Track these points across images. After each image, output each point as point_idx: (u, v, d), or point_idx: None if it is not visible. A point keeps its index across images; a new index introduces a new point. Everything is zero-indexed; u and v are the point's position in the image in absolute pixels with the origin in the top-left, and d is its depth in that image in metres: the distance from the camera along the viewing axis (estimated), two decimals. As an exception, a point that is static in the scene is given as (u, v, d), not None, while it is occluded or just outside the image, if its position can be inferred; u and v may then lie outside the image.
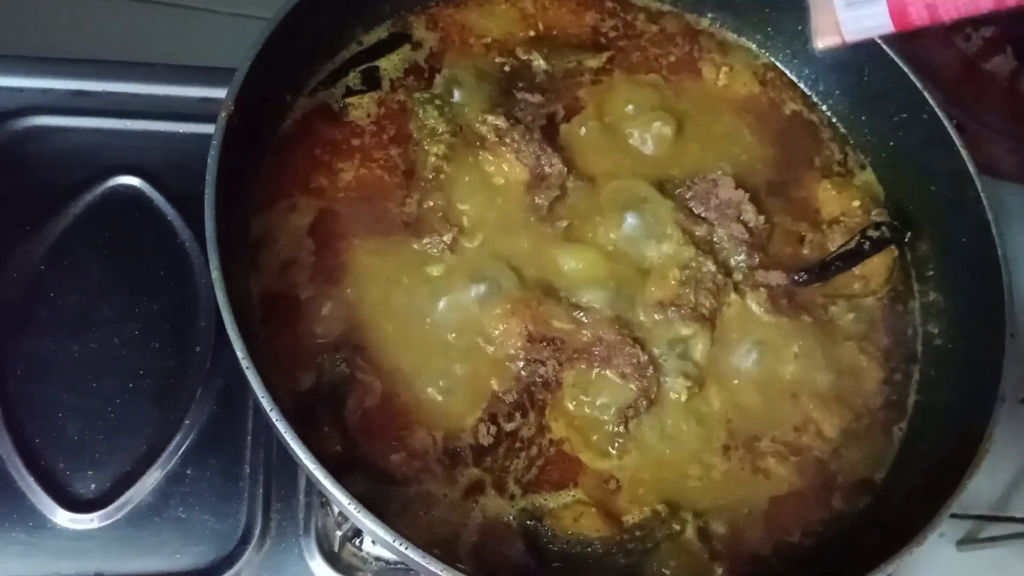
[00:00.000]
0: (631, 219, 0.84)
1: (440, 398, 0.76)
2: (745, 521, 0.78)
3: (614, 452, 0.77)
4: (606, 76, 0.94)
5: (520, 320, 0.77)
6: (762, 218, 0.87)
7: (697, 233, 0.85)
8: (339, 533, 0.88)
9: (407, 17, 0.93)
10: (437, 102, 0.87)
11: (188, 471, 0.89)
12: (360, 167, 0.84)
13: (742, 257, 0.86)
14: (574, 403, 0.78)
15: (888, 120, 0.94)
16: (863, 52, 0.91)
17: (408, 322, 0.78)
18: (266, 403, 0.64)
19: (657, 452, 0.78)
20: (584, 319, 0.79)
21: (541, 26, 0.96)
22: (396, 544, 0.62)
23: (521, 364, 0.77)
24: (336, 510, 0.89)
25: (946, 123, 0.88)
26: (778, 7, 0.98)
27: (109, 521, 0.86)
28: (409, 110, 0.87)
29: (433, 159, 0.83)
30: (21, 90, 1.01)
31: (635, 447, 0.78)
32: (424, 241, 0.80)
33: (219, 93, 0.76)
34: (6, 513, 0.85)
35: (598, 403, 0.77)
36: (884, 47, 0.90)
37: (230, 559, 0.87)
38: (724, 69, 0.97)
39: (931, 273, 0.91)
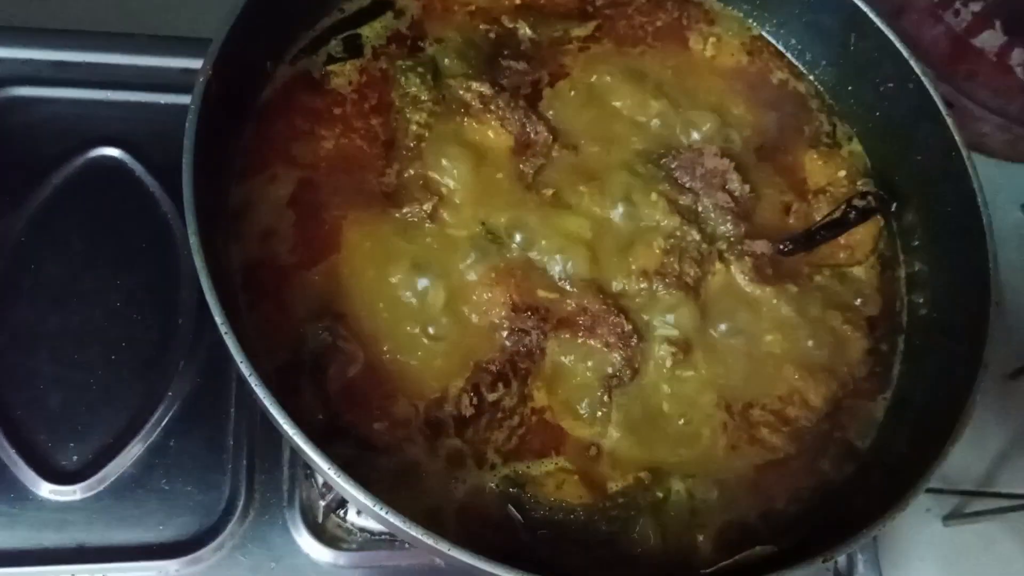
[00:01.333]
0: (620, 205, 0.84)
1: (423, 367, 0.75)
2: (729, 488, 0.78)
3: (598, 420, 0.77)
4: (594, 44, 0.94)
5: (504, 289, 0.77)
6: (747, 187, 0.87)
7: (682, 202, 0.85)
8: (323, 504, 0.88)
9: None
10: (420, 69, 0.86)
11: (171, 443, 0.89)
12: (341, 136, 0.84)
13: (727, 226, 0.86)
14: (558, 372, 0.78)
15: (875, 90, 0.94)
16: (849, 21, 0.91)
17: (390, 291, 0.77)
18: (245, 369, 0.63)
19: (640, 420, 0.78)
20: (568, 288, 0.79)
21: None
22: (379, 510, 0.61)
23: (505, 333, 0.77)
24: (320, 481, 0.89)
25: (932, 92, 0.88)
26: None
27: (91, 493, 0.86)
28: (391, 78, 0.87)
29: (415, 127, 0.83)
30: (2, 60, 1.00)
31: (619, 415, 0.78)
32: (404, 210, 0.79)
33: (200, 64, 0.76)
34: (-12, 486, 0.85)
35: (582, 372, 0.77)
36: (871, 15, 0.90)
37: (214, 530, 0.86)
38: (712, 39, 0.97)
39: (917, 243, 0.91)
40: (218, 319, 0.63)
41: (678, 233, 0.83)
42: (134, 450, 0.88)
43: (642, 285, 0.80)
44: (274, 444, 0.91)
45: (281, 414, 0.62)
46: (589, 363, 0.77)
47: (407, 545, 0.89)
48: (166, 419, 0.90)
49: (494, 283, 0.77)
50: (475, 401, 0.75)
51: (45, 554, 0.84)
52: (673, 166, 0.87)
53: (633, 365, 0.78)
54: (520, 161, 0.83)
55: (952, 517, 1.12)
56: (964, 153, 0.85)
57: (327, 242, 0.79)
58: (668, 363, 0.79)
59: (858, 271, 0.89)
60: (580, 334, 0.77)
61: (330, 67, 0.86)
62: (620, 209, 0.83)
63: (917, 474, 0.72)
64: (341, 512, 0.89)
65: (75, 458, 0.87)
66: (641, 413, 0.78)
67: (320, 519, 0.89)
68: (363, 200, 0.81)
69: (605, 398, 0.77)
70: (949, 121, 0.86)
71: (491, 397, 0.76)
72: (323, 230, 0.79)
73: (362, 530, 0.89)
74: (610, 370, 0.77)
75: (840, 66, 0.97)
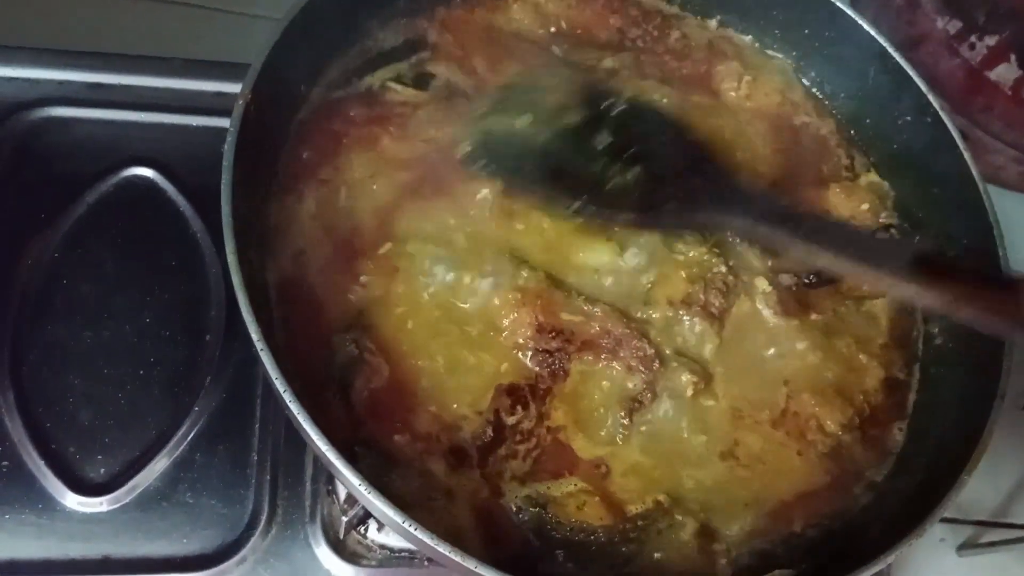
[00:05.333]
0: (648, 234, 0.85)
1: (447, 383, 0.76)
2: (747, 513, 0.78)
3: (618, 443, 0.78)
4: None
5: (530, 310, 0.78)
6: None
7: (710, 234, 0.86)
8: (344, 520, 0.89)
9: (419, 19, 0.95)
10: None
11: (197, 457, 0.91)
12: (372, 159, 0.85)
13: (754, 259, 0.87)
14: (580, 394, 0.79)
15: (893, 123, 0.95)
16: (869, 55, 0.93)
17: (419, 308, 0.78)
18: (280, 385, 0.64)
19: (660, 444, 0.79)
20: (593, 312, 0.80)
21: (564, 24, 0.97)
22: (406, 525, 0.62)
23: (529, 353, 0.78)
24: (342, 497, 0.90)
25: (950, 126, 0.89)
26: (784, 10, 0.99)
27: (118, 505, 0.88)
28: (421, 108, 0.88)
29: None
30: (39, 81, 1.04)
31: (639, 439, 0.79)
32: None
33: (233, 88, 0.78)
34: (17, 496, 0.86)
35: (604, 394, 0.78)
36: (890, 50, 0.92)
37: (236, 544, 0.88)
38: (747, 79, 0.98)
39: (933, 273, 0.92)
40: (254, 336, 0.65)
41: (705, 264, 0.84)
42: (160, 464, 0.89)
43: (668, 313, 0.82)
44: (297, 460, 0.92)
45: (315, 431, 0.63)
46: (611, 385, 0.78)
47: (427, 563, 0.90)
48: (192, 434, 0.91)
49: (520, 304, 0.78)
50: (498, 417, 0.76)
51: (71, 565, 0.85)
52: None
53: (654, 389, 0.79)
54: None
55: (966, 547, 1.12)
56: (981, 186, 0.86)
57: (357, 259, 0.80)
58: (689, 391, 0.80)
59: (879, 302, 0.90)
60: (603, 356, 0.79)
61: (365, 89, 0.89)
62: (648, 238, 0.84)
63: (933, 502, 0.72)
64: (362, 528, 0.90)
65: (103, 471, 0.89)
66: (661, 437, 0.79)
67: (341, 535, 0.90)
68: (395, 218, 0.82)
69: (626, 421, 0.78)
70: (966, 155, 0.88)
71: (514, 415, 0.77)
72: (353, 247, 0.81)
73: (382, 547, 0.90)
74: (631, 393, 0.78)
75: (859, 99, 0.99)
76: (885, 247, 0.80)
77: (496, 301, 0.78)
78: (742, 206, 0.80)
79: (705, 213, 0.81)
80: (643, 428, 0.79)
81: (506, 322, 0.78)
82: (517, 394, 0.77)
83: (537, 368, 0.78)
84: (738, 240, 0.86)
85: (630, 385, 0.78)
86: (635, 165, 0.81)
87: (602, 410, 0.78)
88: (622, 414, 0.78)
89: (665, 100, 0.92)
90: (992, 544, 1.11)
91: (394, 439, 0.73)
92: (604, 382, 0.79)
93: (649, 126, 0.86)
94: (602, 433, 0.78)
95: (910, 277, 0.71)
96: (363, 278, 0.79)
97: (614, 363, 0.79)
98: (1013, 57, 1.19)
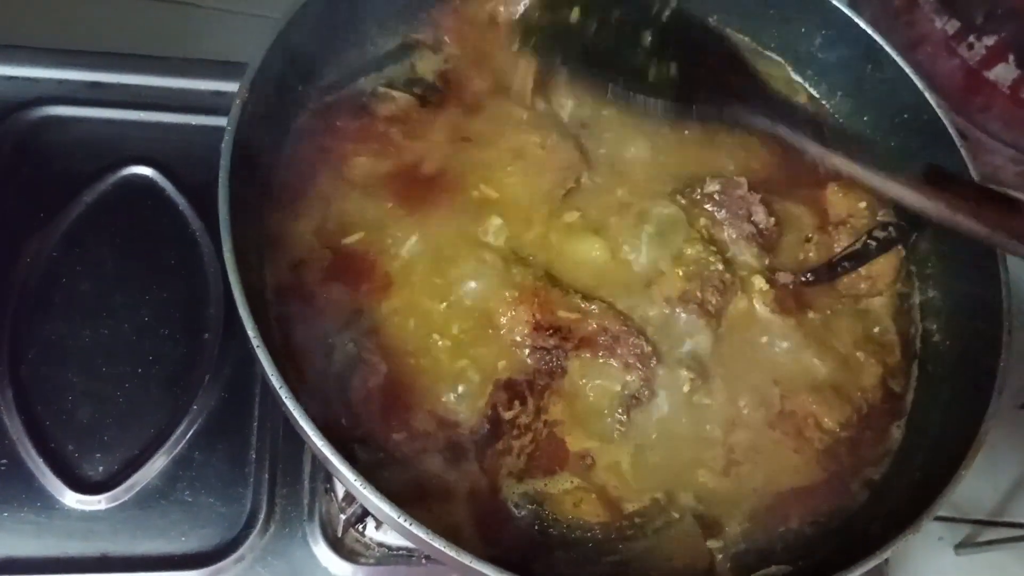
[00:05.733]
0: (645, 231, 0.86)
1: (445, 380, 0.76)
2: (744, 510, 0.79)
3: (616, 439, 0.78)
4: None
5: (527, 308, 0.78)
6: (772, 219, 0.88)
7: (707, 231, 0.87)
8: (343, 518, 0.89)
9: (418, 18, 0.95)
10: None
11: (195, 455, 0.91)
12: (370, 162, 0.85)
13: (751, 257, 0.87)
14: (577, 390, 0.79)
15: (890, 121, 0.96)
16: (866, 53, 0.93)
17: (417, 307, 0.78)
18: (276, 382, 0.65)
19: (658, 441, 0.79)
20: (590, 309, 0.80)
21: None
22: (403, 522, 0.62)
23: (527, 351, 0.78)
24: (340, 495, 0.90)
25: (947, 125, 0.90)
26: (782, 9, 0.99)
27: (116, 503, 0.88)
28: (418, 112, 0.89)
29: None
30: (38, 80, 1.04)
31: (636, 435, 0.79)
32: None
33: (231, 87, 0.78)
34: (16, 494, 0.87)
35: (601, 391, 0.78)
36: (887, 48, 0.92)
37: (235, 543, 0.88)
38: None
39: (930, 271, 0.92)
40: (251, 334, 0.65)
41: (702, 261, 0.84)
42: (159, 462, 0.90)
43: (665, 310, 0.82)
44: (295, 458, 0.92)
45: (312, 429, 0.63)
46: (609, 382, 0.78)
47: (424, 560, 0.90)
48: (191, 432, 0.92)
49: (517, 301, 0.78)
50: (496, 414, 0.76)
51: (70, 562, 0.85)
52: (700, 196, 0.88)
53: (652, 386, 0.79)
54: (551, 183, 0.85)
55: (964, 546, 1.12)
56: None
57: (356, 260, 0.80)
58: (686, 388, 0.80)
59: (877, 300, 0.90)
60: (601, 353, 0.79)
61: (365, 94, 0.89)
62: (646, 235, 0.85)
63: (930, 499, 0.72)
64: (360, 526, 0.90)
65: (101, 469, 0.89)
66: (658, 434, 0.79)
67: (339, 533, 0.90)
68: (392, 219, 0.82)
69: (624, 418, 0.78)
70: (963, 153, 0.88)
71: (511, 411, 0.76)
72: (352, 248, 0.81)
73: (380, 545, 0.90)
74: (629, 390, 0.78)
75: (856, 97, 0.99)
76: (897, 159, 0.86)
77: (493, 299, 0.78)
78: (768, 106, 0.86)
79: (733, 108, 0.86)
80: (640, 425, 0.79)
81: (503, 320, 0.78)
82: (515, 389, 0.77)
83: (535, 365, 0.78)
84: (735, 237, 0.87)
85: (628, 381, 0.78)
86: (674, 60, 0.87)
87: (600, 407, 0.78)
88: (620, 411, 0.78)
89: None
90: (990, 543, 1.11)
91: (392, 437, 0.73)
92: (602, 379, 0.79)
93: (693, 32, 0.92)
94: (600, 430, 0.78)
95: (917, 186, 0.76)
96: (362, 286, 0.79)
97: (612, 360, 0.78)
98: (1011, 57, 1.19)
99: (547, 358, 0.78)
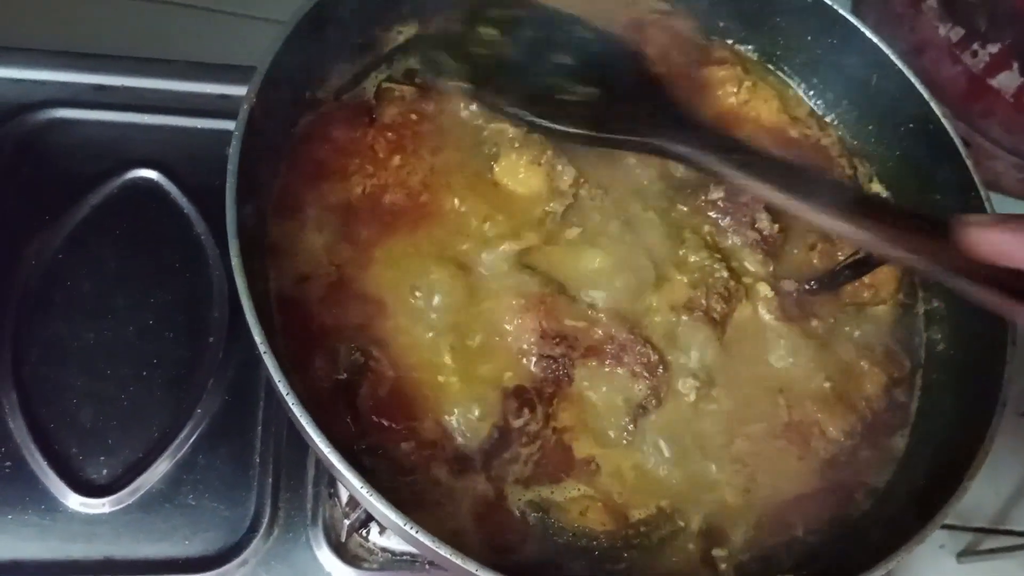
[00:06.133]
0: (649, 240, 0.86)
1: (451, 389, 0.76)
2: (749, 518, 0.79)
3: (622, 447, 0.78)
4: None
5: (534, 316, 0.78)
6: (776, 227, 0.88)
7: (712, 239, 0.87)
8: (346, 523, 0.89)
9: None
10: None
11: (199, 459, 0.91)
12: (376, 172, 0.84)
13: (755, 264, 0.87)
14: (584, 399, 0.79)
15: (895, 130, 0.96)
16: (871, 62, 0.93)
17: (423, 316, 0.78)
18: (282, 388, 0.65)
19: (664, 450, 0.79)
20: (597, 317, 0.80)
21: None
22: (408, 528, 0.62)
23: (534, 359, 0.78)
24: (344, 500, 0.90)
25: (952, 134, 0.89)
26: (786, 16, 0.99)
27: (120, 506, 0.88)
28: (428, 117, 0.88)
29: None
30: (44, 83, 1.04)
31: (643, 444, 0.79)
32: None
33: (237, 91, 0.78)
34: (19, 496, 0.87)
35: (608, 400, 0.78)
36: (893, 57, 0.92)
37: (238, 547, 0.88)
38: (746, 84, 0.98)
39: (932, 281, 0.92)
40: (258, 339, 0.65)
41: (707, 269, 0.84)
42: (162, 465, 0.90)
43: (670, 318, 0.82)
44: (299, 462, 0.92)
45: (318, 434, 0.63)
46: (615, 391, 0.78)
47: (428, 566, 0.90)
48: (194, 436, 0.91)
49: (524, 310, 0.78)
50: (502, 422, 0.76)
51: (73, 566, 0.85)
52: (704, 203, 0.88)
53: (659, 394, 0.79)
54: (549, 199, 0.85)
55: (966, 554, 1.12)
56: (983, 194, 0.86)
57: (361, 271, 0.80)
58: (692, 396, 0.80)
59: (880, 309, 0.90)
60: (607, 362, 0.79)
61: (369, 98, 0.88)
62: (650, 243, 0.85)
63: (934, 509, 0.72)
64: (364, 532, 0.90)
65: (105, 472, 0.89)
66: (665, 443, 0.79)
67: (343, 538, 0.90)
68: (398, 230, 0.82)
69: (631, 426, 0.78)
70: (968, 163, 0.88)
71: (518, 420, 0.76)
72: (358, 258, 0.80)
73: (384, 550, 0.90)
74: (636, 398, 0.78)
75: (861, 106, 0.99)
76: (827, 186, 0.80)
77: (500, 307, 0.78)
78: (688, 134, 0.81)
79: (652, 136, 0.82)
80: (647, 433, 0.79)
81: (510, 327, 0.78)
82: (524, 397, 0.77)
83: (541, 374, 0.78)
84: (739, 244, 0.87)
85: (635, 390, 0.78)
86: (590, 84, 0.84)
87: (607, 415, 0.78)
88: (627, 419, 0.78)
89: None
90: (992, 551, 1.11)
91: (400, 447, 0.73)
92: (609, 387, 0.79)
93: (610, 54, 0.88)
94: (606, 437, 0.78)
95: (847, 215, 0.71)
96: (366, 288, 0.79)
97: (618, 368, 0.79)
98: (1015, 64, 1.19)
99: (553, 366, 0.78)
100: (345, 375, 0.75)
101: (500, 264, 0.81)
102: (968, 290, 0.64)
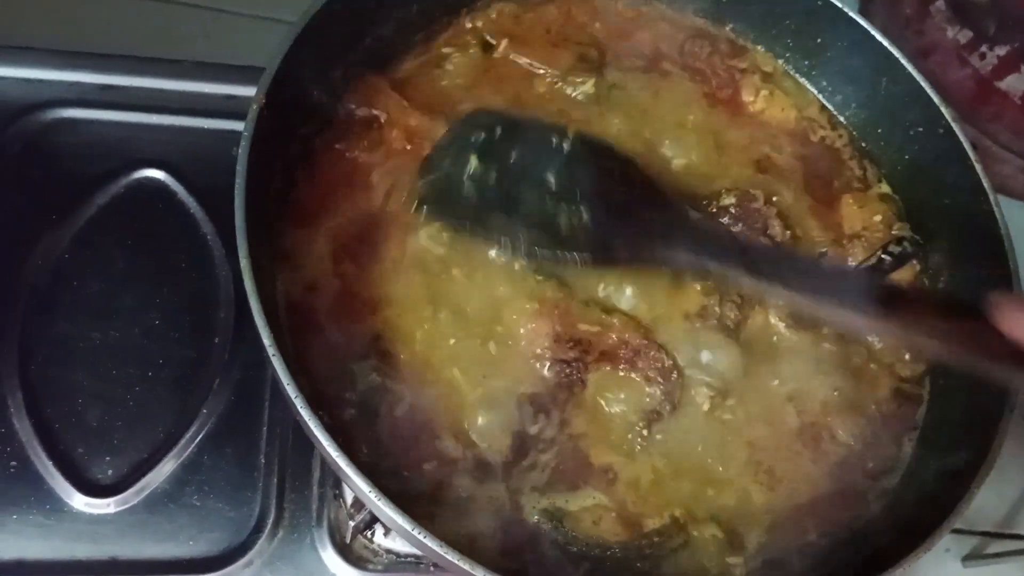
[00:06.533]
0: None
1: (465, 398, 0.76)
2: (763, 524, 0.79)
3: (636, 455, 0.78)
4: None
5: (548, 320, 0.78)
6: (788, 233, 0.88)
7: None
8: (351, 524, 0.89)
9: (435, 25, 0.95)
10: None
11: (204, 459, 0.90)
12: (388, 181, 0.85)
13: None
14: (598, 404, 0.79)
15: (904, 133, 0.95)
16: (881, 65, 0.93)
17: (435, 328, 0.78)
18: (291, 391, 0.65)
19: (678, 457, 0.79)
20: (611, 321, 0.80)
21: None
22: (415, 533, 0.62)
23: (547, 364, 0.78)
24: (349, 501, 0.90)
25: (962, 137, 0.89)
26: (796, 19, 0.99)
27: (125, 507, 0.88)
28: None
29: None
30: (50, 83, 1.03)
31: (656, 451, 0.78)
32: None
33: (244, 91, 0.78)
34: (24, 496, 0.86)
35: (622, 405, 0.78)
36: (903, 61, 0.92)
37: (243, 547, 0.88)
38: (763, 93, 0.99)
39: (942, 285, 0.92)
40: (266, 341, 0.65)
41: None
42: (168, 466, 0.89)
43: (684, 325, 0.82)
44: (304, 463, 0.92)
45: (327, 439, 0.63)
46: (630, 396, 0.78)
47: (432, 568, 0.90)
48: (200, 436, 0.91)
49: (538, 314, 0.78)
50: (519, 430, 0.76)
51: (78, 566, 0.85)
52: (715, 209, 0.88)
53: (673, 400, 0.79)
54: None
55: (971, 558, 1.11)
56: (992, 198, 0.86)
57: (372, 284, 0.80)
58: (706, 403, 0.80)
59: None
60: (621, 367, 0.79)
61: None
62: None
63: (941, 515, 0.72)
64: (369, 533, 0.90)
65: (110, 472, 0.88)
66: (679, 449, 0.79)
67: (348, 539, 0.90)
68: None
69: (645, 432, 0.78)
70: (978, 167, 0.88)
71: (534, 427, 0.76)
72: (368, 272, 0.80)
73: (389, 551, 0.90)
74: (650, 404, 0.78)
75: (870, 109, 0.99)
76: (842, 278, 0.77)
77: (514, 310, 0.79)
78: (691, 241, 0.78)
79: (655, 250, 0.78)
80: (660, 440, 0.79)
81: (523, 331, 0.78)
82: (538, 402, 0.77)
83: (555, 379, 0.78)
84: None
85: (648, 396, 0.78)
86: (585, 203, 0.78)
87: (621, 421, 0.78)
88: (641, 425, 0.78)
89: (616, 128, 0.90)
90: (998, 555, 1.11)
91: (424, 468, 0.73)
92: (623, 393, 0.78)
93: (599, 161, 0.82)
94: (621, 444, 0.78)
95: (865, 310, 0.68)
96: (377, 302, 0.79)
97: (632, 374, 0.79)
98: (1023, 67, 1.19)
99: (567, 371, 0.78)
100: (362, 396, 0.74)
101: (514, 269, 0.81)
102: (1013, 377, 0.62)
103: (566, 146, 0.80)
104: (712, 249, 0.76)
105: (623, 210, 0.79)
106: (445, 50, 0.94)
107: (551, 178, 0.78)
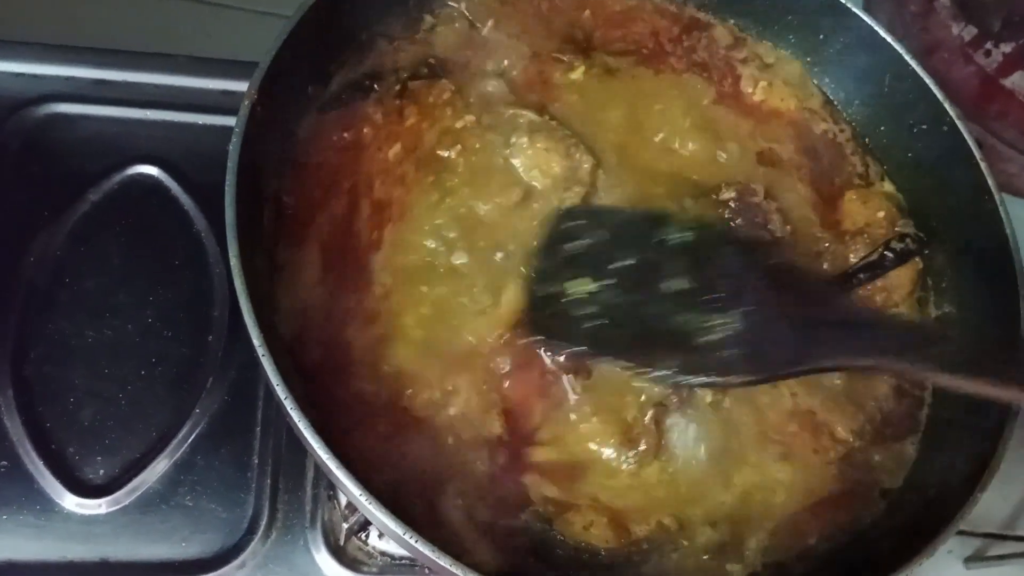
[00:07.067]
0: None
1: (473, 408, 0.76)
2: (767, 527, 0.78)
3: (641, 452, 0.76)
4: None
5: None
6: (788, 228, 0.87)
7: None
8: (345, 526, 0.88)
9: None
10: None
11: (197, 459, 0.90)
12: (383, 182, 0.83)
13: None
14: (602, 396, 0.77)
15: (908, 131, 0.94)
16: (885, 62, 0.92)
17: (432, 330, 0.77)
18: (280, 391, 0.64)
19: (679, 458, 0.78)
20: None
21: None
22: (407, 537, 0.61)
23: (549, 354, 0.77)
24: (343, 503, 0.89)
25: (966, 136, 0.88)
26: (799, 15, 0.98)
27: (117, 507, 0.87)
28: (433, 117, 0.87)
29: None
30: (44, 77, 1.02)
31: (664, 446, 0.78)
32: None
33: (240, 86, 0.76)
34: (15, 496, 0.86)
35: (627, 396, 0.77)
36: (907, 58, 0.91)
37: (236, 549, 0.87)
38: (763, 84, 0.97)
39: (945, 285, 0.91)
40: (256, 341, 0.64)
41: None
42: (160, 466, 0.89)
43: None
44: (298, 464, 0.91)
45: (316, 440, 0.62)
46: (635, 387, 0.77)
47: (427, 571, 0.89)
48: (193, 436, 0.90)
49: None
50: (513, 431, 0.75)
51: (69, 567, 0.84)
52: (716, 203, 0.86)
53: (681, 393, 0.78)
54: (565, 189, 0.83)
55: (974, 560, 1.10)
56: (997, 197, 0.85)
57: (367, 298, 0.79)
58: (707, 399, 0.79)
59: (893, 311, 0.89)
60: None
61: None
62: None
63: (944, 520, 0.72)
64: (363, 535, 0.89)
65: (102, 472, 0.88)
66: (679, 449, 0.78)
67: (341, 541, 0.89)
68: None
69: (652, 427, 0.77)
70: (983, 165, 0.87)
71: (532, 422, 0.76)
72: (362, 283, 0.79)
73: (383, 554, 0.89)
74: (656, 396, 0.77)
75: (874, 106, 0.97)
76: (996, 356, 0.69)
77: (515, 309, 0.77)
78: (866, 336, 0.67)
79: (827, 356, 0.66)
80: (666, 438, 0.78)
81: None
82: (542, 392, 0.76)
83: (558, 368, 0.76)
84: None
85: (655, 387, 0.77)
86: (724, 309, 0.67)
87: (629, 414, 0.77)
88: (648, 419, 0.77)
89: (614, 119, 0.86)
90: (1001, 557, 1.10)
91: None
92: (627, 384, 0.77)
93: (723, 255, 0.71)
94: (627, 439, 0.76)
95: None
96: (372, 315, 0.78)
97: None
98: (1029, 65, 1.18)
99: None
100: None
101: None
102: None
103: (689, 237, 0.71)
104: (880, 336, 0.67)
105: (778, 310, 0.67)
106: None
107: (680, 283, 0.68)
